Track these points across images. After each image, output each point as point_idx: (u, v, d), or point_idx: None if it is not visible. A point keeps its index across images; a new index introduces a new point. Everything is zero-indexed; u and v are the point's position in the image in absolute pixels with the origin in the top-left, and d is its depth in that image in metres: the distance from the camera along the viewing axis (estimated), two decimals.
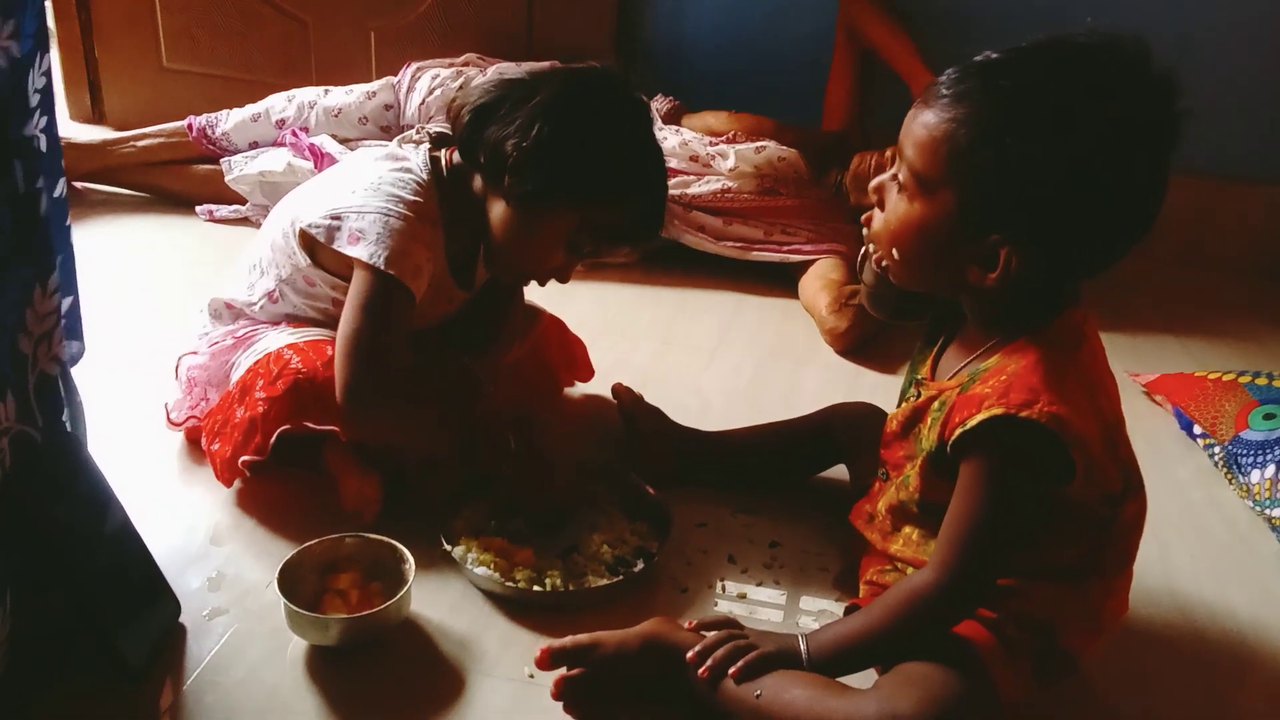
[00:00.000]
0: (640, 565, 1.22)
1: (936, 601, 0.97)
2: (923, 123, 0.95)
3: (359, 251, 1.21)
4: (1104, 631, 1.08)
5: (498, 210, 1.26)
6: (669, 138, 2.15)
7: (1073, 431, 0.92)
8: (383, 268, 1.20)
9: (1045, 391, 0.93)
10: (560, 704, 1.02)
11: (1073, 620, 1.04)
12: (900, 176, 0.99)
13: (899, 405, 1.13)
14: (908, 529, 1.12)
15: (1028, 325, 1.00)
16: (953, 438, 0.97)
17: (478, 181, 1.28)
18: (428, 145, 1.32)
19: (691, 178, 2.12)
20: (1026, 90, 0.91)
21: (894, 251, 1.01)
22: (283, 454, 1.24)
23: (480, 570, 1.18)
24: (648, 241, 1.34)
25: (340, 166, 1.41)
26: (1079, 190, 0.91)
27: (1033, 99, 0.91)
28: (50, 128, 0.98)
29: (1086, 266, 0.98)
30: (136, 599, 1.06)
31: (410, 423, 1.26)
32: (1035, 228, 0.93)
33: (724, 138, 2.16)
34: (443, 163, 1.30)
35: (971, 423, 0.95)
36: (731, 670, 0.99)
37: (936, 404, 1.04)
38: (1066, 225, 0.93)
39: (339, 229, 1.23)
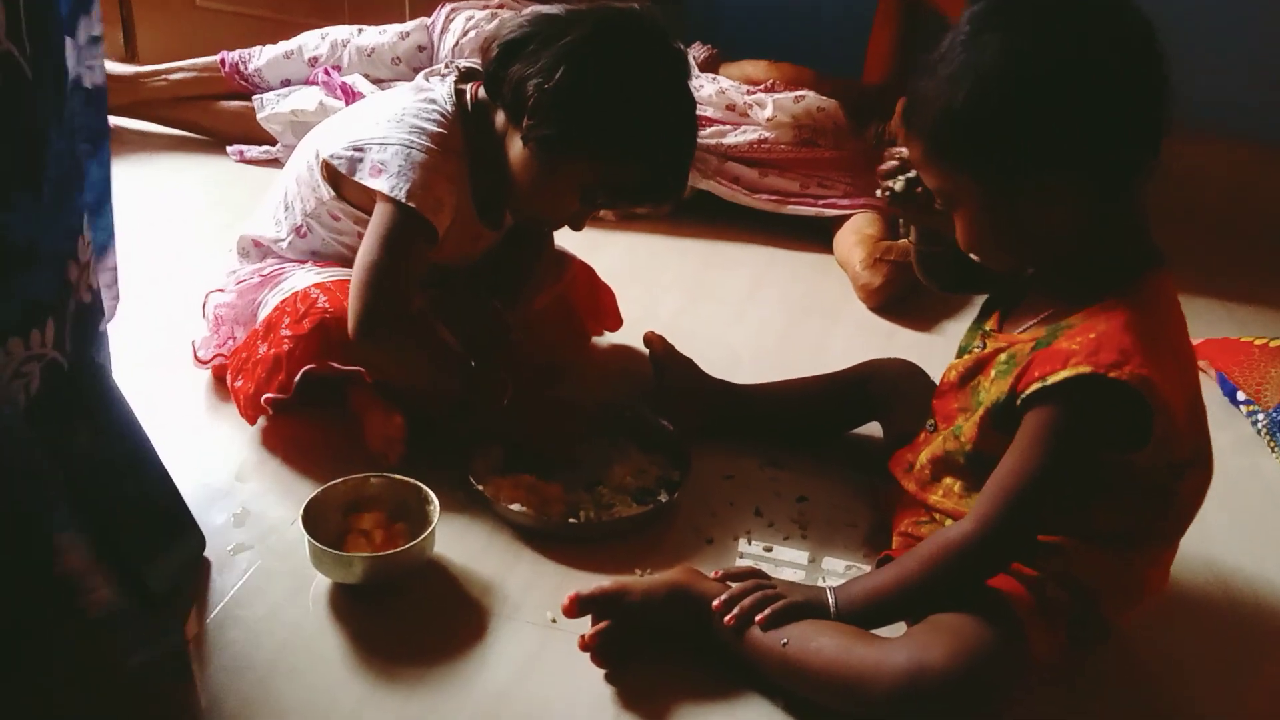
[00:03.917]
0: (664, 495, 1.24)
1: (970, 556, 0.96)
2: (912, 152, 0.99)
3: (380, 184, 1.18)
4: (1140, 601, 1.06)
5: (516, 149, 1.23)
6: (705, 86, 2.10)
7: (1160, 397, 0.90)
8: (404, 200, 1.17)
9: (1137, 354, 0.90)
10: (586, 651, 1.01)
11: (1115, 588, 1.02)
12: (939, 203, 1.01)
13: (959, 357, 1.11)
14: (949, 480, 1.09)
15: (1112, 282, 0.97)
16: (1028, 391, 0.95)
17: (501, 118, 1.25)
18: (454, 78, 1.29)
19: (728, 127, 2.07)
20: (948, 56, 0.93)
21: (992, 256, 1.02)
22: (308, 393, 1.23)
23: (515, 507, 1.17)
24: (667, 202, 1.31)
25: (365, 100, 1.39)
26: (1060, 99, 0.89)
27: (957, 51, 0.92)
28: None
29: (1121, 172, 0.94)
30: (161, 530, 1.06)
31: (414, 359, 1.23)
32: (1042, 154, 0.91)
33: (762, 86, 2.11)
34: (468, 96, 1.27)
35: (1054, 379, 0.92)
36: (758, 618, 0.98)
37: (1004, 356, 1.01)
38: (1064, 132, 0.90)
39: (361, 160, 1.21)
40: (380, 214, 1.20)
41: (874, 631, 0.99)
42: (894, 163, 1.11)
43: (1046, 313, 1.01)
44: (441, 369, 1.24)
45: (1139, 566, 1.03)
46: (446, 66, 1.31)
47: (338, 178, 1.26)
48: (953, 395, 1.09)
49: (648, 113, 1.18)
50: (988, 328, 1.09)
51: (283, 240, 1.35)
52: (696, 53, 2.24)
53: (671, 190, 1.27)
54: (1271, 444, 1.50)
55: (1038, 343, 0.98)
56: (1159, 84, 0.92)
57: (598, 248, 1.85)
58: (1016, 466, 0.95)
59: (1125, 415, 0.91)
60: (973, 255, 1.03)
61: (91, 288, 0.95)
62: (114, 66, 2.36)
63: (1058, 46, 0.89)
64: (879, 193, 1.14)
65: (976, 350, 1.07)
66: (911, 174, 1.09)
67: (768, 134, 2.05)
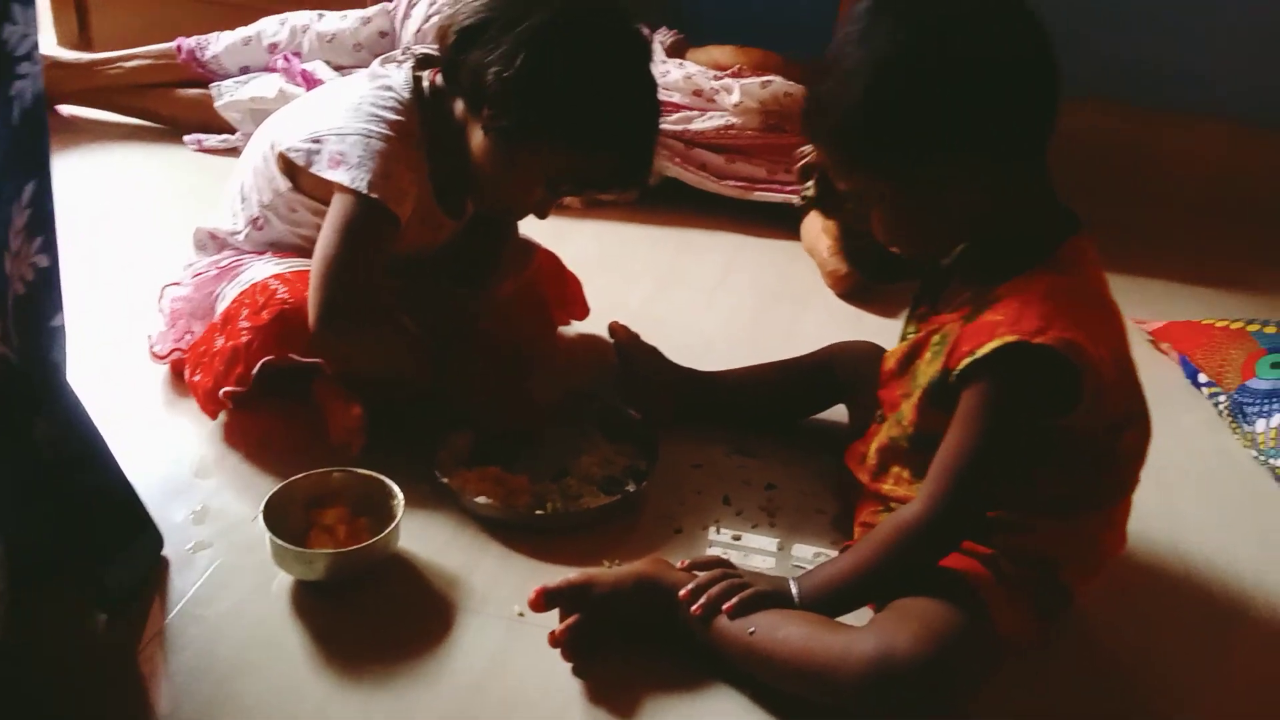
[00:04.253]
0: (632, 485, 1.23)
1: (923, 534, 0.96)
2: (820, 157, 1.03)
3: (340, 176, 1.16)
4: (1101, 567, 1.07)
5: (477, 139, 1.21)
6: (672, 71, 2.09)
7: (1086, 357, 0.91)
8: (366, 191, 1.15)
9: (1060, 317, 0.92)
10: (557, 648, 1.01)
11: (1071, 554, 1.03)
12: (853, 204, 1.03)
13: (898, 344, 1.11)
14: (896, 468, 1.10)
15: (1032, 254, 0.98)
16: (960, 366, 0.95)
17: (460, 106, 1.23)
18: (411, 64, 1.26)
19: (694, 113, 2.06)
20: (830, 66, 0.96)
21: (913, 246, 1.04)
22: (270, 385, 1.21)
23: (481, 499, 1.16)
24: (633, 189, 1.31)
25: (320, 89, 1.37)
26: (922, 90, 0.91)
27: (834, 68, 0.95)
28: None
29: (1026, 147, 0.95)
30: (118, 530, 1.04)
31: (380, 349, 1.22)
32: (945, 139, 0.92)
33: (729, 72, 2.10)
34: (425, 83, 1.25)
35: (982, 351, 0.93)
36: (725, 606, 0.98)
37: (937, 337, 1.02)
38: (966, 115, 0.91)
39: (319, 152, 1.19)
40: (340, 205, 1.17)
41: (842, 620, 0.99)
42: (805, 162, 1.13)
43: (972, 291, 1.02)
44: (412, 357, 1.22)
45: (1091, 530, 1.05)
46: (404, 53, 1.29)
47: (295, 170, 1.24)
48: (895, 383, 1.10)
49: (612, 100, 1.17)
50: (920, 312, 1.10)
51: (240, 232, 1.33)
52: (663, 38, 2.23)
53: (637, 177, 1.26)
54: (1234, 425, 1.52)
55: (965, 319, 0.99)
56: (1047, 56, 0.93)
57: (564, 236, 1.83)
58: (959, 443, 0.95)
59: (1054, 379, 0.92)
60: (893, 249, 1.04)
61: (25, 279, 0.92)
62: (68, 54, 2.31)
63: (945, 31, 0.90)
64: (796, 200, 1.16)
65: (911, 335, 1.08)
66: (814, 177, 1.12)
67: (735, 120, 2.04)
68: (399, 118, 1.20)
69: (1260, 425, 1.46)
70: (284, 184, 1.26)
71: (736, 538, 1.20)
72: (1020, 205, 0.98)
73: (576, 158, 1.20)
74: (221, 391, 1.20)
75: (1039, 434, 0.97)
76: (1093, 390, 0.93)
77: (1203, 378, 1.60)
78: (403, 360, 1.23)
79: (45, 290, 0.97)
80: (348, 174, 1.16)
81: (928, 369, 1.02)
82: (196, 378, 1.24)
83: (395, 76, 1.24)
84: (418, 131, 1.22)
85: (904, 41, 0.90)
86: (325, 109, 1.22)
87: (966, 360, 0.95)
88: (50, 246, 0.96)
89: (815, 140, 1.00)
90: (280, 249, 1.32)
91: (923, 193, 0.96)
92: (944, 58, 0.90)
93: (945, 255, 1.07)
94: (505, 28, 1.14)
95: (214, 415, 1.25)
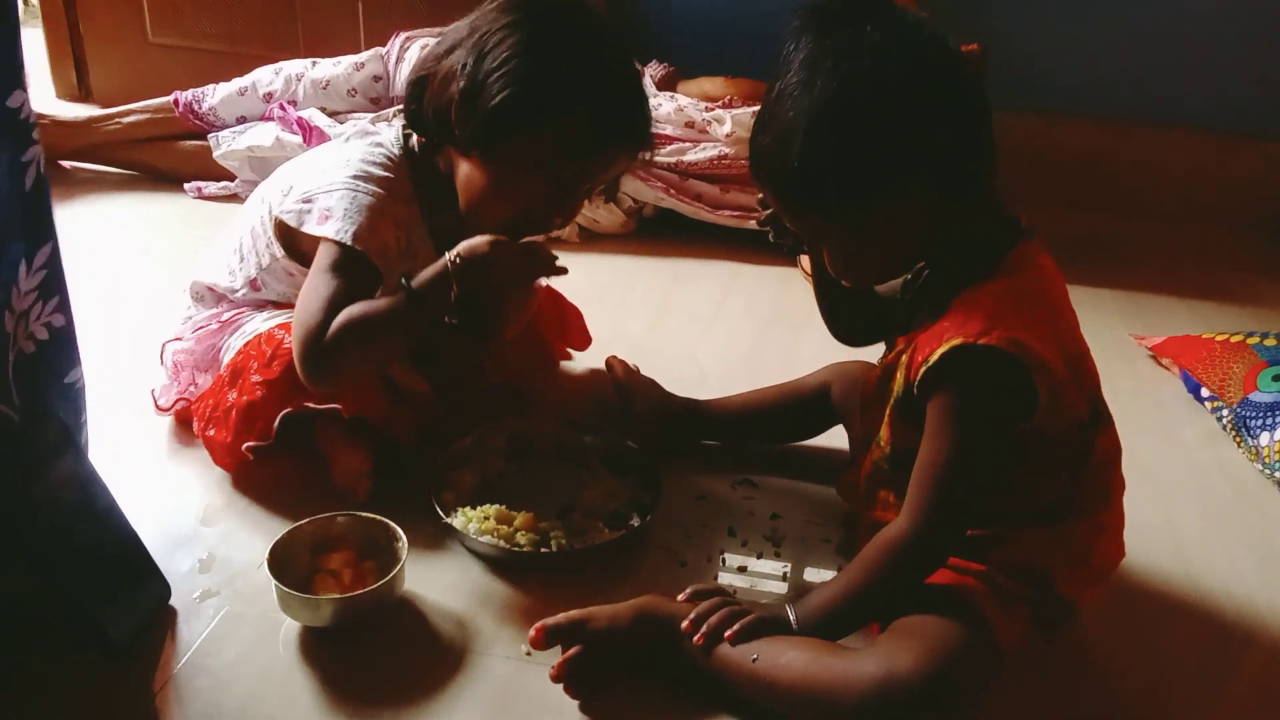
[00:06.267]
0: (636, 519, 1.23)
1: (910, 549, 0.97)
2: (769, 200, 1.06)
3: (326, 229, 1.16)
4: (1101, 578, 1.08)
5: (464, 171, 1.20)
6: (664, 104, 2.11)
7: (1032, 354, 0.92)
8: (349, 243, 1.15)
9: (1002, 317, 0.93)
10: (560, 685, 1.00)
11: (1063, 563, 1.04)
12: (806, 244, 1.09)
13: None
14: (882, 493, 1.11)
15: (983, 266, 0.99)
16: (918, 376, 0.97)
17: (444, 159, 1.23)
18: (402, 122, 1.27)
19: (688, 145, 2.08)
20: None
21: (865, 278, 1.07)
22: (279, 435, 1.21)
23: (485, 539, 1.16)
24: (637, 144, 1.21)
25: (315, 150, 1.38)
26: (859, 127, 0.92)
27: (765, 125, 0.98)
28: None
29: (964, 171, 0.96)
30: (121, 579, 1.04)
31: (384, 349, 1.19)
32: (881, 182, 0.94)
33: (720, 103, 2.12)
34: (414, 140, 1.25)
35: (934, 358, 0.95)
36: (727, 634, 0.98)
37: (905, 357, 1.04)
38: (895, 156, 0.93)
39: (309, 211, 1.19)
40: (323, 254, 1.17)
41: (845, 643, 0.99)
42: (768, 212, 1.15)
43: (931, 310, 1.03)
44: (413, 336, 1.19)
45: (1080, 538, 1.05)
46: (396, 112, 1.31)
47: (289, 237, 1.24)
48: (876, 408, 1.11)
49: (573, 58, 1.13)
50: (892, 340, 1.11)
51: (237, 291, 1.34)
52: (654, 71, 2.25)
53: (633, 131, 1.19)
54: (1238, 439, 1.52)
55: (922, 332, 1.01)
56: (976, 89, 0.95)
57: None
58: (932, 455, 0.96)
59: (1005, 378, 0.93)
60: (845, 282, 1.06)
61: (33, 337, 0.93)
62: (66, 111, 2.35)
63: (876, 78, 0.91)
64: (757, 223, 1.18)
65: (888, 357, 1.09)
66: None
67: (727, 150, 2.05)
68: (388, 174, 1.20)
69: (1264, 438, 1.46)
70: (279, 251, 1.27)
71: (742, 569, 1.20)
72: (968, 224, 1.00)
73: (559, 128, 1.13)
74: (244, 446, 1.21)
75: (1014, 439, 0.98)
76: (1048, 388, 0.94)
77: (1205, 392, 1.60)
78: (410, 338, 1.20)
79: (58, 348, 0.98)
80: (333, 226, 1.16)
81: (896, 386, 1.04)
82: (210, 432, 1.25)
83: (385, 134, 1.25)
84: (409, 187, 1.23)
85: (837, 91, 0.91)
86: (317, 169, 1.23)
87: (922, 369, 0.96)
88: (65, 306, 0.97)
89: (763, 188, 1.02)
90: (278, 306, 1.33)
91: (869, 229, 0.98)
92: (877, 105, 0.91)
93: (894, 278, 1.10)
94: (452, 48, 1.16)
95: (230, 468, 1.26)
